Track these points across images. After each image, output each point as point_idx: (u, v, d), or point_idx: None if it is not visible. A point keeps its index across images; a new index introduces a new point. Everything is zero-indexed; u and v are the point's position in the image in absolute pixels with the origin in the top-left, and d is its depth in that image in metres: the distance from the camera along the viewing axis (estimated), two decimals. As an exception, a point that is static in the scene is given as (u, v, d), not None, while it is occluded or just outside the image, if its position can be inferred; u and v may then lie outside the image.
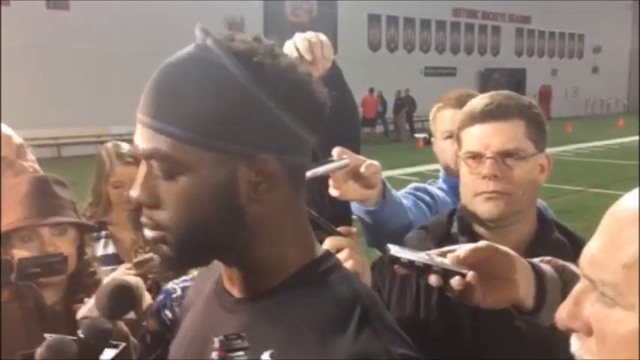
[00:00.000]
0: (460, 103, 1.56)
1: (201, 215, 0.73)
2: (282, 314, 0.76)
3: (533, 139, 1.21)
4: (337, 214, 1.42)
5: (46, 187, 1.47)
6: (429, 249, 0.93)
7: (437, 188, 1.69)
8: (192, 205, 0.72)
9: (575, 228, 1.27)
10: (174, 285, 1.38)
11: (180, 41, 0.77)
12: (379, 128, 20.52)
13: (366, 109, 19.09)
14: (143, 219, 0.76)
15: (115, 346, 0.94)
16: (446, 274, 0.84)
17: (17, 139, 1.70)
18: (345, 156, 1.21)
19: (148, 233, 0.76)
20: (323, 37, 1.43)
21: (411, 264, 0.84)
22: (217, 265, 0.86)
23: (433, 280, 0.84)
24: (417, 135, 18.56)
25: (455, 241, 1.21)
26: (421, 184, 1.69)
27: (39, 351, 0.85)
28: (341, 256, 1.07)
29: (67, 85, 15.16)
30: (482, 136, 1.20)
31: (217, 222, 0.73)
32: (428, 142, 17.48)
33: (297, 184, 0.79)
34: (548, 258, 0.95)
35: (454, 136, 1.35)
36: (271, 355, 0.71)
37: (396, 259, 0.84)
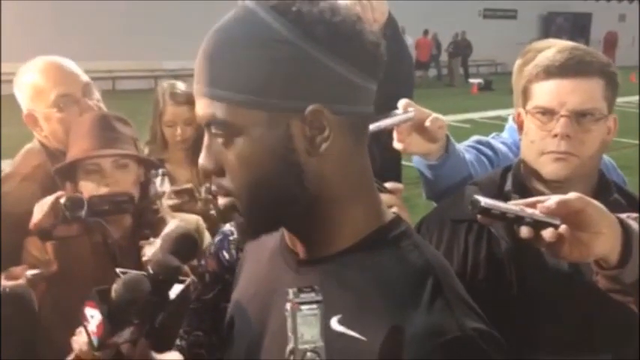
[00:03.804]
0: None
1: (262, 176, 0.72)
2: (352, 278, 0.75)
3: (608, 99, 1.16)
4: (386, 167, 1.41)
5: (107, 122, 1.51)
6: None
7: (500, 142, 1.65)
8: (251, 167, 0.72)
9: (634, 183, 1.23)
10: (231, 227, 1.42)
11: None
12: (432, 72, 20.01)
13: (420, 51, 18.56)
14: (213, 187, 0.77)
15: (182, 282, 0.98)
16: (537, 225, 0.82)
17: (84, 78, 1.72)
18: (410, 108, 1.19)
19: (220, 201, 0.76)
20: None
21: (502, 215, 0.82)
22: None
23: (525, 232, 0.82)
24: (471, 80, 18.05)
25: (507, 199, 1.19)
26: (484, 138, 1.65)
27: (115, 287, 0.89)
28: None
29: (121, 19, 15.27)
30: (558, 92, 1.15)
31: (278, 181, 0.72)
32: (482, 87, 17.02)
33: (358, 135, 0.75)
34: (635, 215, 0.92)
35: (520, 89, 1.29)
36: (339, 321, 0.72)
37: (486, 210, 0.82)
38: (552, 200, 0.83)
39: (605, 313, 1.02)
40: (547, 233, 0.81)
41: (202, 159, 0.75)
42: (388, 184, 1.11)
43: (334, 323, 0.72)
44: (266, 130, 0.70)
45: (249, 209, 0.74)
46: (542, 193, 1.17)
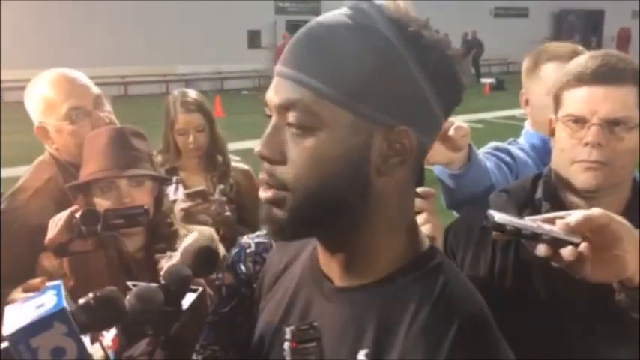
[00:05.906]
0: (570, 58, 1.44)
1: (329, 177, 0.69)
2: (383, 311, 0.72)
3: None
4: None
5: (124, 139, 1.50)
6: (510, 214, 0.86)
7: (517, 149, 1.63)
8: (321, 164, 0.69)
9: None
10: (248, 240, 1.40)
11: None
12: (443, 72, 19.94)
13: (431, 51, 18.52)
14: (263, 176, 0.73)
15: (194, 291, 0.97)
16: (555, 243, 0.78)
17: (95, 90, 1.71)
18: None
19: (266, 193, 0.72)
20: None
21: (517, 232, 0.77)
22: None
23: (542, 249, 0.79)
24: (482, 80, 17.96)
25: (538, 207, 1.17)
26: (501, 144, 1.63)
27: (128, 299, 0.88)
28: (419, 218, 1.05)
29: (133, 24, 15.38)
30: (589, 100, 1.12)
31: (343, 187, 0.70)
32: (494, 87, 16.92)
33: (418, 165, 0.76)
34: None
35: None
36: (366, 355, 0.69)
37: (500, 227, 0.78)
38: (573, 217, 0.80)
39: (636, 326, 0.99)
40: (566, 252, 0.78)
41: (263, 145, 0.71)
42: (419, 189, 1.09)
43: (361, 357, 0.70)
44: (348, 133, 0.68)
45: (299, 207, 0.70)
46: (572, 203, 1.15)
